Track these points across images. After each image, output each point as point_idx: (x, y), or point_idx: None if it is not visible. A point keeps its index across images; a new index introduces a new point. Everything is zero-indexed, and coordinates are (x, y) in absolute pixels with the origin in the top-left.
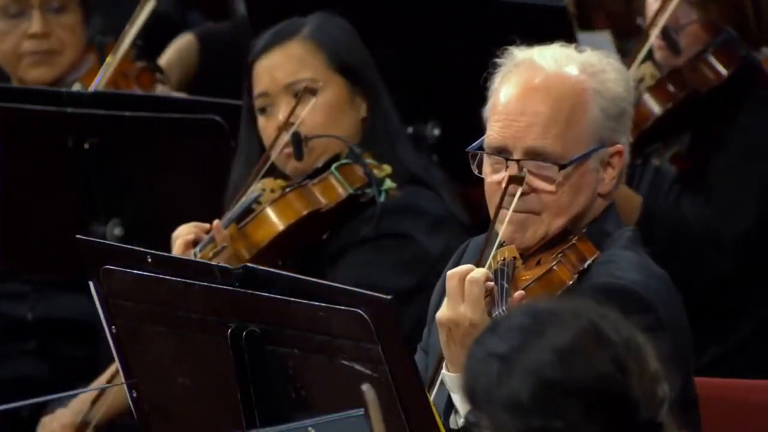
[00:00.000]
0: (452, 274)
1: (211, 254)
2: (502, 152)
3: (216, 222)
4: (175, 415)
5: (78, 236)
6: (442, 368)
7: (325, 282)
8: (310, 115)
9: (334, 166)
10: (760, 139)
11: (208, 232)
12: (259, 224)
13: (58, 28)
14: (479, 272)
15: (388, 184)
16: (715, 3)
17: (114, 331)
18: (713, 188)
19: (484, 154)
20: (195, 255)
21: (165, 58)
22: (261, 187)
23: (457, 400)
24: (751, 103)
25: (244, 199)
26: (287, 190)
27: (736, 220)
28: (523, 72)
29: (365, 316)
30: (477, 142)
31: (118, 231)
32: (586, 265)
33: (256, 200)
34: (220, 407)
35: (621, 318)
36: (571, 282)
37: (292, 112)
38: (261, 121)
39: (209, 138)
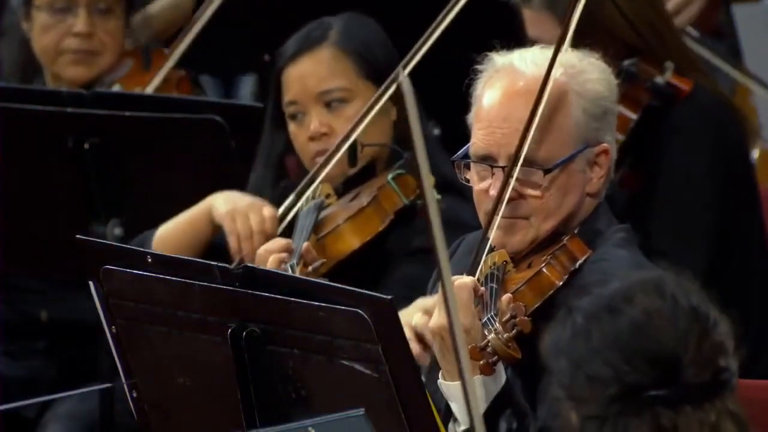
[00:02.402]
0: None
1: (309, 269)
2: (487, 159)
3: (306, 244)
4: (175, 415)
5: (78, 236)
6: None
7: (325, 282)
8: (342, 124)
9: (390, 176)
10: (688, 169)
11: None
12: (338, 238)
13: (101, 30)
14: (467, 278)
15: (436, 196)
16: (597, 44)
17: (114, 331)
18: (660, 236)
19: (471, 163)
20: (292, 269)
21: (158, 5)
22: (319, 192)
23: (456, 408)
24: (667, 129)
25: (305, 207)
26: (364, 203)
27: (690, 268)
28: (503, 77)
29: (365, 316)
30: (462, 150)
31: (118, 231)
32: (577, 265)
33: (321, 207)
34: (220, 407)
35: (699, 292)
36: (560, 283)
37: (356, 126)
38: (292, 127)
39: (209, 138)
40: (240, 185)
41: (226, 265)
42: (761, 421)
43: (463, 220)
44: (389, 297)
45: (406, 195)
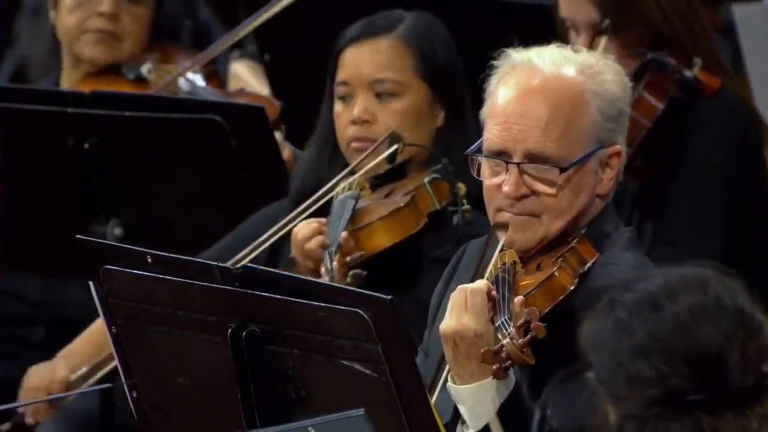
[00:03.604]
0: (461, 288)
1: (347, 259)
2: (502, 155)
3: (344, 233)
4: (175, 415)
5: (78, 236)
6: (443, 371)
7: (325, 282)
8: (387, 116)
9: (426, 179)
10: (706, 161)
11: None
12: (372, 233)
13: (127, 15)
14: (480, 282)
15: (466, 206)
16: (631, 30)
17: (114, 331)
18: (673, 227)
19: (483, 158)
20: (330, 257)
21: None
22: (356, 185)
23: (465, 411)
24: (690, 122)
25: (340, 196)
26: (401, 204)
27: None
28: (521, 74)
29: (365, 316)
30: (475, 145)
31: (118, 231)
32: (586, 268)
33: (357, 199)
34: (220, 407)
35: (744, 293)
36: (572, 287)
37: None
38: (338, 106)
39: (209, 138)
40: (240, 185)
41: (227, 265)
42: None
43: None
44: (389, 297)
45: (439, 200)
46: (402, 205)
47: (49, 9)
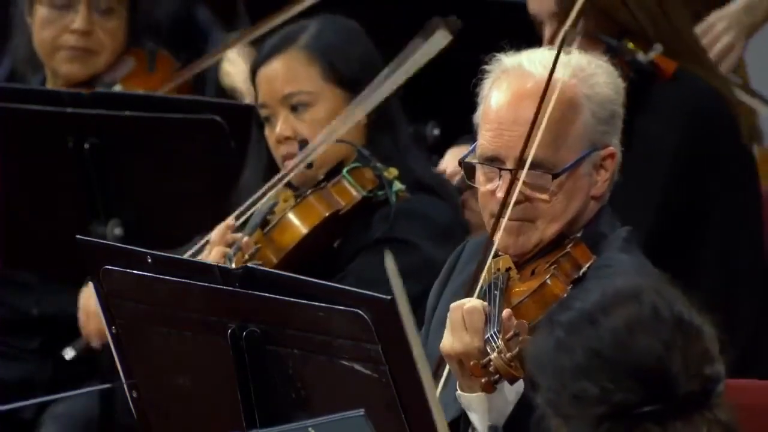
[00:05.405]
0: (456, 306)
1: (246, 256)
2: (495, 161)
3: (246, 239)
4: (175, 415)
5: (78, 236)
6: (443, 370)
7: (325, 282)
8: (306, 128)
9: (345, 169)
10: (654, 144)
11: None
12: (284, 228)
13: (101, 29)
14: (475, 302)
15: (398, 186)
16: (590, 19)
17: (114, 331)
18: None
19: (477, 164)
20: (230, 260)
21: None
22: (274, 196)
23: (476, 419)
24: (644, 106)
25: (259, 207)
26: (307, 192)
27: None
28: (512, 79)
29: (365, 316)
30: (468, 151)
31: (118, 231)
32: (581, 273)
33: (271, 209)
34: (220, 407)
35: (681, 298)
36: (564, 295)
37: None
38: (266, 129)
39: (209, 138)
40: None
41: (227, 266)
42: (762, 421)
43: (428, 215)
44: (389, 297)
45: (363, 186)
46: (308, 193)
47: (25, 14)
